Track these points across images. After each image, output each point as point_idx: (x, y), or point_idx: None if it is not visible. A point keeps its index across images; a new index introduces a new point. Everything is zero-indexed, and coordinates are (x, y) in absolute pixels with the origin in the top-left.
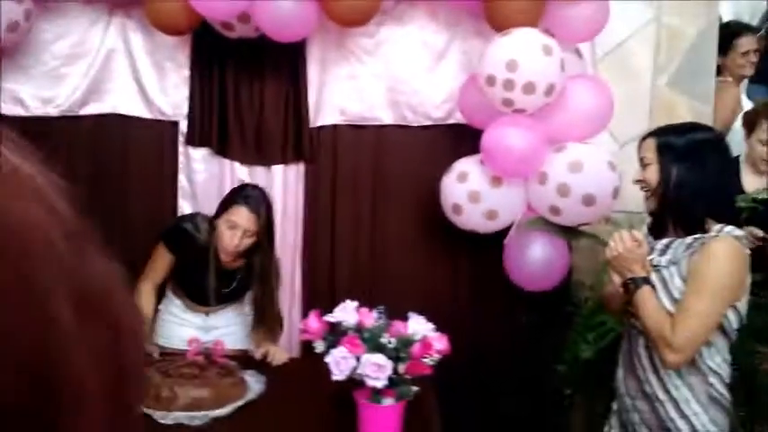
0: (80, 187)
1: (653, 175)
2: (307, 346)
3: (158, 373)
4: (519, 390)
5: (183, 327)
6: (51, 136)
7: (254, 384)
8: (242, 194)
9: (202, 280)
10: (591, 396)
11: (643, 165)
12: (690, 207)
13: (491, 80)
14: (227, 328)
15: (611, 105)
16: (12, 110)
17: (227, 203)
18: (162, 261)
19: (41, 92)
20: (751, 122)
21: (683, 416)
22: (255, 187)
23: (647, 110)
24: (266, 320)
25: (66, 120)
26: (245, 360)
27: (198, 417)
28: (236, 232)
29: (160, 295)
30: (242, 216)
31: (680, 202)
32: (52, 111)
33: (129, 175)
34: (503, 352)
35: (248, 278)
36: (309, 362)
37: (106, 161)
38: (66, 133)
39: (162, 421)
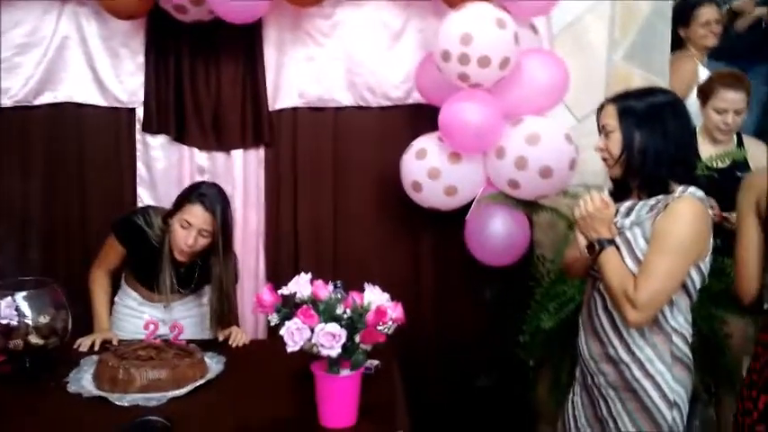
0: (37, 178)
1: (615, 142)
2: (273, 329)
3: (114, 356)
4: (485, 364)
5: (141, 319)
6: (6, 127)
7: (214, 365)
8: (197, 192)
9: (156, 275)
10: (555, 366)
11: (605, 132)
12: (654, 171)
13: (446, 55)
14: (186, 320)
15: (567, 78)
16: None
17: (181, 202)
18: (113, 252)
19: None
20: (706, 92)
21: (648, 375)
22: (212, 185)
23: (603, 84)
24: (222, 321)
25: (21, 110)
26: (205, 343)
27: (155, 398)
28: (190, 232)
29: (115, 286)
30: (197, 215)
31: (644, 167)
32: (6, 101)
33: (87, 165)
34: (467, 327)
35: (206, 275)
36: (271, 343)
37: (63, 151)
38: (21, 123)
39: (118, 403)
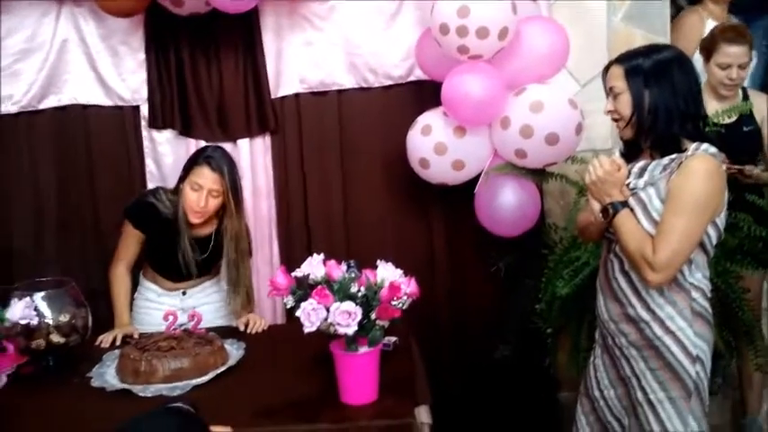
0: (48, 181)
1: (625, 104)
2: (291, 314)
3: (135, 349)
4: (502, 334)
5: (161, 311)
6: (13, 132)
7: (234, 351)
8: (203, 155)
9: (174, 253)
10: (574, 332)
11: (613, 95)
12: (666, 129)
13: (444, 28)
14: (204, 307)
15: (567, 44)
16: None
17: (189, 166)
18: (131, 239)
19: None
20: (708, 48)
21: (669, 332)
22: (217, 147)
23: (604, 47)
24: (241, 283)
25: (27, 115)
26: (224, 331)
27: (179, 386)
28: (201, 193)
29: (134, 283)
30: (205, 176)
31: (656, 126)
32: (11, 108)
33: (97, 164)
34: (482, 300)
35: (221, 244)
36: (290, 327)
37: (71, 153)
38: (27, 129)
39: (142, 394)
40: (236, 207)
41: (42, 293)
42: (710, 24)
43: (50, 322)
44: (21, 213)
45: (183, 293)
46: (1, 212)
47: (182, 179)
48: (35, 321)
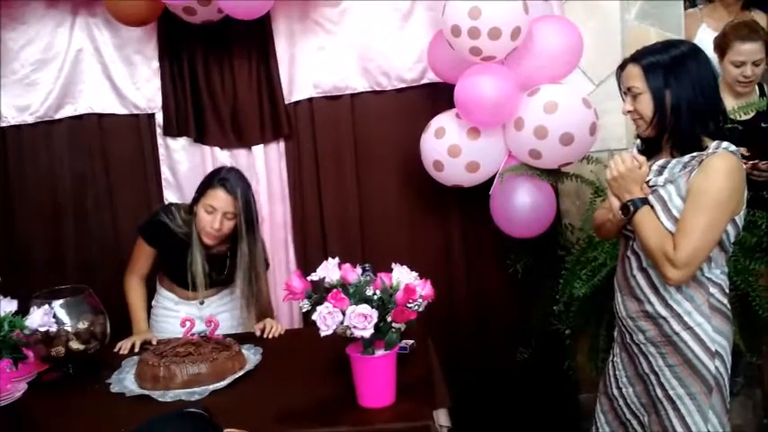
0: (65, 190)
1: (646, 104)
2: (308, 318)
3: (154, 355)
4: (520, 336)
5: (178, 319)
6: (30, 142)
7: (252, 356)
8: (217, 177)
9: (188, 267)
10: (592, 332)
11: (632, 95)
12: (688, 127)
13: (456, 30)
14: (221, 315)
15: (581, 43)
16: None
17: (203, 188)
18: (144, 255)
19: (15, 100)
20: (722, 46)
21: (687, 327)
22: (231, 169)
23: (618, 46)
24: (254, 297)
25: (44, 125)
26: (241, 336)
27: (197, 392)
28: (215, 216)
29: (152, 289)
30: (219, 198)
31: (679, 126)
32: (28, 118)
33: (113, 173)
34: (500, 302)
35: (236, 263)
36: (307, 331)
37: (88, 162)
38: (44, 138)
39: (161, 400)
40: (249, 229)
41: (61, 301)
42: (704, 28)
43: (69, 329)
44: (39, 221)
45: (201, 303)
46: (19, 221)
47: (196, 201)
48: (54, 329)
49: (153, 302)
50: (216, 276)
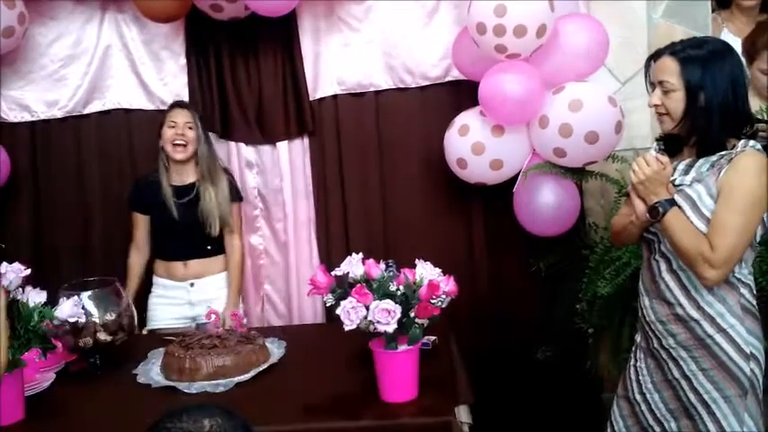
0: (93, 184)
1: (677, 101)
2: (331, 313)
3: (180, 347)
4: (543, 335)
5: (171, 306)
6: (60, 137)
7: (276, 350)
8: (173, 103)
9: (171, 226)
10: (616, 331)
11: (663, 90)
12: (718, 130)
13: (481, 28)
14: (215, 302)
15: (607, 41)
16: (18, 116)
17: (164, 116)
18: (135, 223)
19: (45, 95)
20: (750, 52)
21: (721, 330)
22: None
23: (645, 44)
24: (218, 183)
25: (72, 120)
26: (265, 330)
27: (222, 383)
28: (177, 127)
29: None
30: (178, 114)
31: (710, 127)
32: (57, 113)
33: (140, 167)
34: (523, 300)
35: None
36: (330, 326)
37: (115, 156)
38: (73, 133)
39: (186, 391)
40: (206, 137)
41: (89, 293)
42: (726, 33)
43: (97, 321)
44: (67, 215)
45: (191, 285)
46: (48, 215)
47: (160, 127)
48: (83, 320)
49: (149, 295)
50: (182, 200)
